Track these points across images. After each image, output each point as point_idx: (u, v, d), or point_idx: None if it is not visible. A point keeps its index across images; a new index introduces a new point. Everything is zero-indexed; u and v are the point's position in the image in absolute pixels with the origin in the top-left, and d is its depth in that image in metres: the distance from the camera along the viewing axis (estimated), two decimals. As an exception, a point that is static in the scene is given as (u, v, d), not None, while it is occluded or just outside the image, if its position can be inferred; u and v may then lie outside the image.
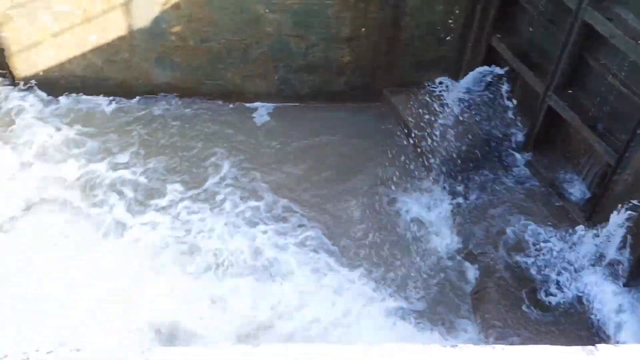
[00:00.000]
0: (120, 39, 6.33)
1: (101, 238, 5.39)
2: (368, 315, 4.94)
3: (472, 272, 5.24)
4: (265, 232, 5.48)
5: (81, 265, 5.06)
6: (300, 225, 5.58)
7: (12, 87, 6.71)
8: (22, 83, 6.61)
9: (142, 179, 5.93)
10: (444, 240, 5.44)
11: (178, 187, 5.88)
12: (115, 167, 6.02)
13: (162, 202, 5.74)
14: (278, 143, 6.47)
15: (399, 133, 6.51)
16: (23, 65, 6.52)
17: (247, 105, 6.86)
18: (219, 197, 5.81)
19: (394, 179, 5.96)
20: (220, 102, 6.81)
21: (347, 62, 6.47)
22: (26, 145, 6.16)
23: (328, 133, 6.57)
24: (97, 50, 6.42)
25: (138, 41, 6.34)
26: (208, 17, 6.14)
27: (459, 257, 5.33)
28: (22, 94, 6.68)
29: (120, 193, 5.77)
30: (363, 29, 6.22)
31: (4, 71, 6.60)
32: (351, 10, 6.10)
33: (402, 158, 6.13)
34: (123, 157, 6.14)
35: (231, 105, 6.82)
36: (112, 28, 6.24)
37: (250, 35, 6.26)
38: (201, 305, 4.90)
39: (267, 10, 6.10)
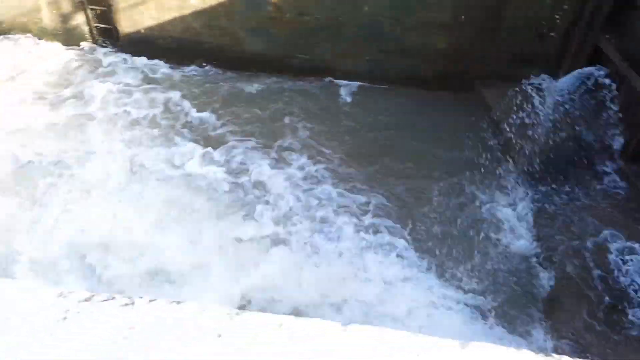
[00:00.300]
0: (220, 5, 6.47)
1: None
2: (433, 306, 4.88)
3: (547, 277, 5.05)
4: (335, 209, 5.50)
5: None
6: (366, 204, 5.56)
7: (114, 42, 7.06)
8: (123, 39, 6.94)
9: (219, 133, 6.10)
10: (522, 241, 5.26)
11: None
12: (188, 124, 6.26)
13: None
14: (358, 123, 6.44)
15: (485, 127, 6.32)
16: (127, 22, 6.81)
17: (335, 81, 6.88)
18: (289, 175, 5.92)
19: (475, 173, 5.81)
20: (307, 76, 6.86)
21: (441, 49, 6.32)
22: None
23: (411, 119, 6.48)
24: (197, 14, 6.59)
25: (237, 9, 6.45)
26: (308, -9, 6.17)
27: (534, 261, 5.16)
28: (121, 52, 7.05)
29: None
30: (462, 17, 6.04)
31: (109, 27, 6.92)
32: (453, -5, 5.94)
33: (486, 153, 5.95)
34: (204, 115, 6.36)
35: (318, 80, 6.86)
36: (214, -6, 6.40)
37: (346, 13, 6.23)
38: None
39: (369, -10, 6.04)
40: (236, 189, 5.63)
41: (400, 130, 6.37)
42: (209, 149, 5.96)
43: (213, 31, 6.70)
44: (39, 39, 7.15)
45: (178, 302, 1.82)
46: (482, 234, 5.39)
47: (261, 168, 5.79)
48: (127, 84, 6.68)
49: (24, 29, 7.19)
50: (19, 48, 7.11)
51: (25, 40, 7.20)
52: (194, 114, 6.39)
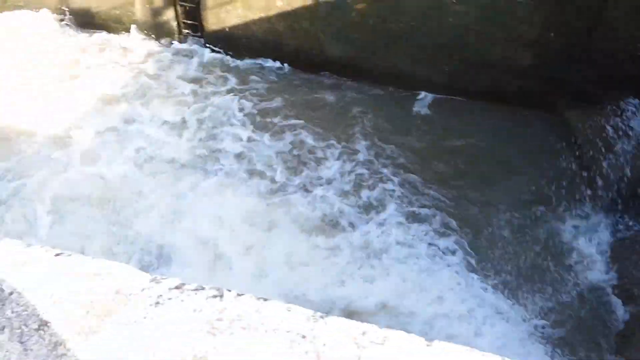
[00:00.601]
0: (304, 8, 6.56)
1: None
2: (496, 329, 4.75)
3: (622, 311, 4.82)
4: (397, 221, 5.44)
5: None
6: (431, 217, 5.48)
7: (200, 38, 7.31)
8: (208, 36, 7.17)
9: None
10: (597, 272, 5.04)
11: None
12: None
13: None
14: (430, 134, 6.36)
15: (565, 150, 6.08)
16: (213, 20, 7.02)
17: (411, 91, 6.83)
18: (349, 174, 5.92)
19: (550, 198, 5.61)
20: (385, 83, 6.84)
21: (526, 65, 6.14)
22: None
23: (487, 135, 6.32)
24: (281, 16, 6.71)
25: (320, 13, 6.52)
26: (392, -1, 6.15)
27: (610, 293, 4.93)
28: (206, 47, 7.30)
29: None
30: (552, 34, 5.85)
31: (196, 23, 7.17)
32: (544, 12, 5.75)
33: (564, 178, 5.74)
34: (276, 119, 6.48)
35: (395, 88, 6.83)
36: (298, -4, 6.50)
37: (431, 22, 6.16)
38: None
39: (453, 1, 5.95)
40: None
41: (476, 147, 6.23)
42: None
43: (295, 33, 6.80)
44: (130, 31, 7.49)
45: (265, 300, 1.86)
46: (554, 261, 5.20)
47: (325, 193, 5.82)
48: (209, 79, 6.93)
49: (117, 21, 7.54)
50: (112, 39, 7.49)
51: (117, 32, 7.58)
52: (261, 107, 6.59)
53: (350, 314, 4.66)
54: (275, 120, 6.46)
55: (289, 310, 1.83)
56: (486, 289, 4.95)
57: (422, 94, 6.81)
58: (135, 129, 6.29)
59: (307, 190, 5.72)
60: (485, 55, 6.19)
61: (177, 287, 1.90)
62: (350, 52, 6.73)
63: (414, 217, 5.51)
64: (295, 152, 6.12)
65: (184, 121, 6.41)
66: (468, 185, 5.85)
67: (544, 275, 5.07)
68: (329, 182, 5.83)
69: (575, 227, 5.39)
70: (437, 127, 6.45)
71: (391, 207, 5.58)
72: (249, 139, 6.23)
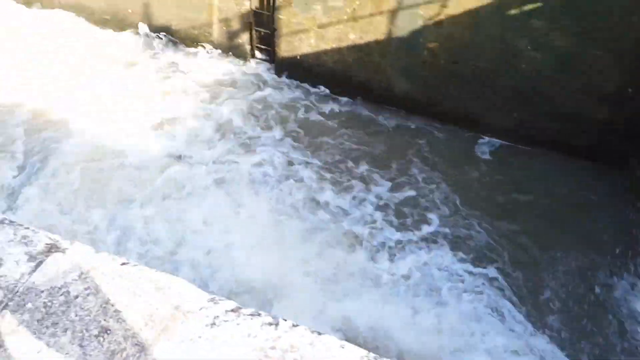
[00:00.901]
0: (376, 42, 6.62)
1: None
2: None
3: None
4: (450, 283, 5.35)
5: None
6: (482, 266, 5.34)
7: (270, 63, 7.50)
8: (279, 62, 7.35)
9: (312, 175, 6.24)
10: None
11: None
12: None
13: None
14: (489, 182, 6.25)
15: (631, 207, 5.85)
16: (286, 47, 7.19)
17: (474, 134, 6.74)
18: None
19: (616, 261, 5.37)
20: (450, 123, 6.79)
21: (599, 119, 5.95)
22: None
23: (551, 187, 6.15)
24: (353, 48, 6.80)
25: (391, 48, 6.56)
26: (466, 40, 6.11)
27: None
28: (276, 73, 7.49)
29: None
30: (630, 90, 5.66)
31: (269, 49, 7.36)
32: (623, 67, 5.58)
33: (630, 237, 5.50)
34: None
35: (460, 130, 6.76)
36: (372, 31, 6.55)
37: (503, 67, 6.09)
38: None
39: (529, 47, 5.87)
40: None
41: (537, 198, 6.08)
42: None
43: (365, 66, 6.86)
44: (206, 51, 7.77)
45: (319, 333, 1.84)
46: (612, 323, 4.96)
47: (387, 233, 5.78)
48: (276, 101, 7.11)
49: (194, 40, 7.84)
50: (189, 58, 7.79)
51: (193, 51, 7.88)
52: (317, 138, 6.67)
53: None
54: (334, 146, 6.52)
55: (343, 348, 1.81)
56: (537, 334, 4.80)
57: (487, 137, 6.70)
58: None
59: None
60: (557, 105, 6.05)
61: (233, 311, 1.91)
62: (418, 89, 6.72)
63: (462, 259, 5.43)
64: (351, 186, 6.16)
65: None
66: (523, 234, 5.71)
67: (598, 335, 4.84)
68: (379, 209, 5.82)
69: (633, 285, 5.14)
70: (498, 172, 6.33)
71: (448, 254, 5.50)
72: (304, 163, 6.31)
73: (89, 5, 8.22)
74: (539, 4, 5.62)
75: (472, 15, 5.85)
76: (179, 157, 6.33)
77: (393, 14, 6.30)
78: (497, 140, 6.69)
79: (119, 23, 8.15)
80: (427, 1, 6.01)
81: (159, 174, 6.10)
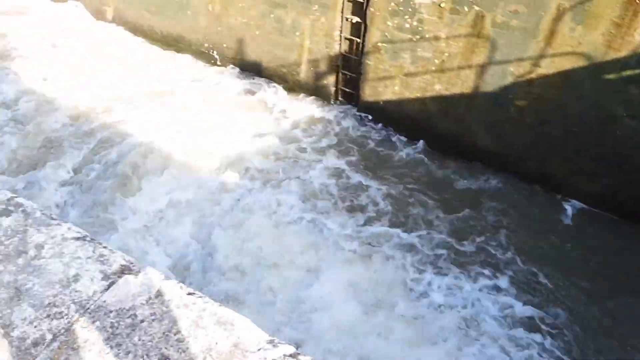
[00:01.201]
0: (462, 95, 6.54)
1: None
2: None
3: None
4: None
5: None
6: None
7: (353, 106, 7.59)
8: (361, 105, 7.43)
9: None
10: None
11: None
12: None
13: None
14: (571, 248, 5.91)
15: None
16: (370, 91, 7.26)
17: (559, 197, 6.45)
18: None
19: None
20: (532, 183, 6.55)
21: (698, 195, 5.54)
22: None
23: (630, 263, 5.75)
24: (437, 98, 6.76)
25: (477, 102, 6.46)
26: (557, 101, 5.92)
27: None
28: (358, 115, 7.56)
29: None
30: None
31: (353, 92, 7.47)
32: None
33: None
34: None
35: (543, 191, 6.50)
36: (459, 83, 6.49)
37: (595, 132, 5.83)
38: None
39: (624, 114, 5.59)
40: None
41: (621, 273, 5.67)
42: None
43: (448, 118, 6.79)
44: (291, 90, 8.00)
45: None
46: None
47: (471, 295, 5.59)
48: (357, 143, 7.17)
49: (281, 78, 8.10)
50: (276, 94, 8.05)
51: (278, 88, 8.13)
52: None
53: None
54: (410, 198, 6.42)
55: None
56: None
57: (571, 201, 6.39)
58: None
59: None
60: (651, 175, 5.70)
61: (291, 356, 1.88)
62: (501, 145, 6.55)
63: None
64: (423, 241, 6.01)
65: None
66: (598, 306, 5.34)
67: None
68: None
69: None
70: (581, 239, 5.99)
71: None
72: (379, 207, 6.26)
73: (189, 38, 8.73)
74: (637, 71, 5.37)
75: (566, 76, 5.67)
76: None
77: (482, 68, 6.22)
78: (581, 204, 6.37)
79: (219, 54, 8.57)
80: (518, 58, 5.90)
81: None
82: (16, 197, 2.36)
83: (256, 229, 5.91)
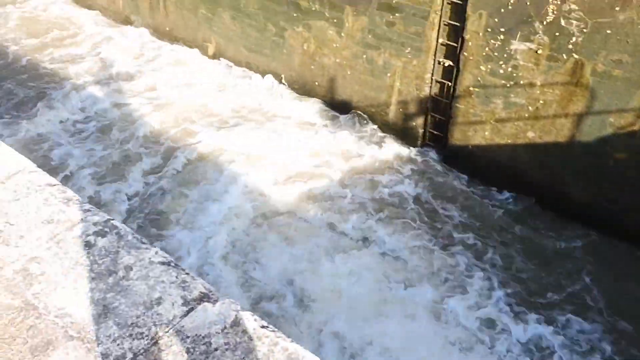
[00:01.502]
0: (556, 144, 6.29)
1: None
2: None
3: None
4: None
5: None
6: None
7: (440, 150, 7.50)
8: (449, 150, 7.32)
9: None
10: None
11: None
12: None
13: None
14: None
15: None
16: (459, 135, 7.15)
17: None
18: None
19: None
20: (630, 243, 6.12)
21: None
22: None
23: None
24: (529, 146, 6.53)
25: (573, 152, 6.18)
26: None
27: None
28: (445, 161, 7.45)
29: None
30: None
31: (441, 135, 7.39)
32: None
33: None
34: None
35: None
36: (554, 132, 6.25)
37: None
38: None
39: None
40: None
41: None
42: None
43: (540, 168, 6.54)
44: (381, 130, 8.03)
45: None
46: None
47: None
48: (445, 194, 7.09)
49: (371, 116, 8.16)
50: (362, 134, 8.11)
51: (370, 128, 8.17)
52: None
53: None
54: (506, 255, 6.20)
55: None
56: None
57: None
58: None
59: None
60: None
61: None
62: (598, 199, 6.20)
63: None
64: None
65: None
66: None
67: None
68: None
69: None
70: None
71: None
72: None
73: (290, 74, 9.06)
74: None
75: (673, 130, 5.33)
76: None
77: (579, 117, 5.97)
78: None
79: (306, 92, 8.81)
80: (619, 109, 5.62)
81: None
82: (112, 219, 2.53)
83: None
